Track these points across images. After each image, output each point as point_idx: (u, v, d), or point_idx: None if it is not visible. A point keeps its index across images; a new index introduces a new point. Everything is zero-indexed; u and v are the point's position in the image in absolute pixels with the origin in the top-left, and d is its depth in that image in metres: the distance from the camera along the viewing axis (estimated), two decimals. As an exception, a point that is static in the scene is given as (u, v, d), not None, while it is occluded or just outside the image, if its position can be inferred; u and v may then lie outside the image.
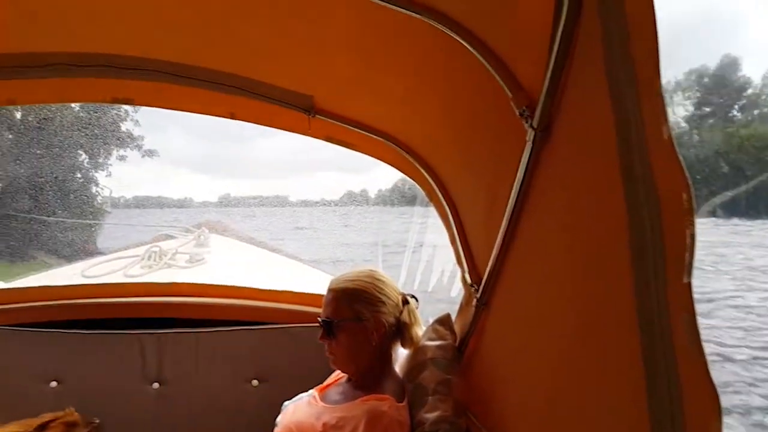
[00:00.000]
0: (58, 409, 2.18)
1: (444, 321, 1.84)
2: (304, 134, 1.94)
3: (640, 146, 0.78)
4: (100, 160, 11.77)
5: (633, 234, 0.80)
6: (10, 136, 10.72)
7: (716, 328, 7.31)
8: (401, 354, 1.85)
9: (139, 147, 11.85)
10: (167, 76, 1.76)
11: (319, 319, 1.72)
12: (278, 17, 1.50)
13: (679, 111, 14.44)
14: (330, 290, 1.72)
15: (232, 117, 1.95)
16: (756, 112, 15.43)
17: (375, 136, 1.87)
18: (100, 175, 11.80)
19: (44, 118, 10.33)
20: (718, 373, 0.69)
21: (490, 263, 1.44)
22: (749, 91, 15.37)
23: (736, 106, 15.48)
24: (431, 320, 1.87)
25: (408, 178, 2.01)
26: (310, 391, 2.11)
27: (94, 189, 11.72)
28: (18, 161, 10.64)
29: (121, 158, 11.90)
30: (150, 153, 12.00)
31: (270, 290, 2.71)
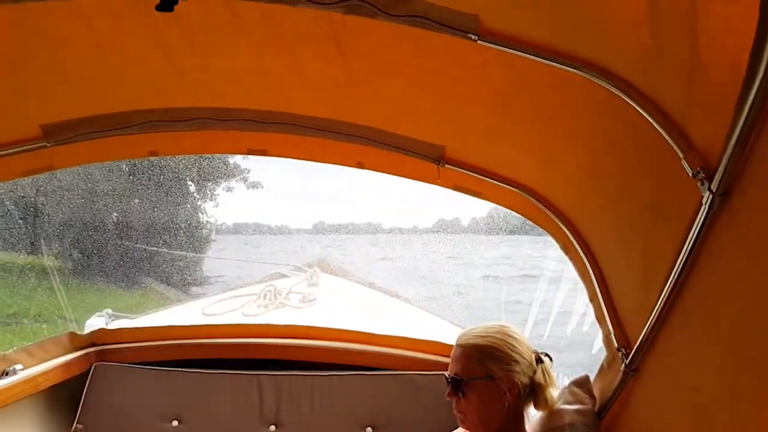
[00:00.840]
0: None
1: (582, 383, 1.73)
2: (431, 183, 1.93)
3: None
4: (208, 192, 12.44)
5: None
6: (127, 169, 11.51)
7: None
8: (533, 415, 1.76)
9: (245, 179, 12.43)
10: (301, 129, 1.82)
11: (447, 375, 1.67)
12: (422, 76, 1.50)
13: None
14: (459, 346, 1.66)
15: (360, 166, 1.97)
16: None
17: (507, 186, 1.83)
18: (208, 205, 12.48)
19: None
20: None
21: (646, 328, 1.34)
22: None
23: None
24: (565, 379, 1.77)
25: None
26: (432, 445, 2.07)
27: (202, 218, 12.38)
28: (133, 195, 11.43)
29: (228, 189, 12.53)
30: (254, 185, 12.55)
31: (385, 335, 2.69)
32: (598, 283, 1.64)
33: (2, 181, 1.99)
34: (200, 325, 2.84)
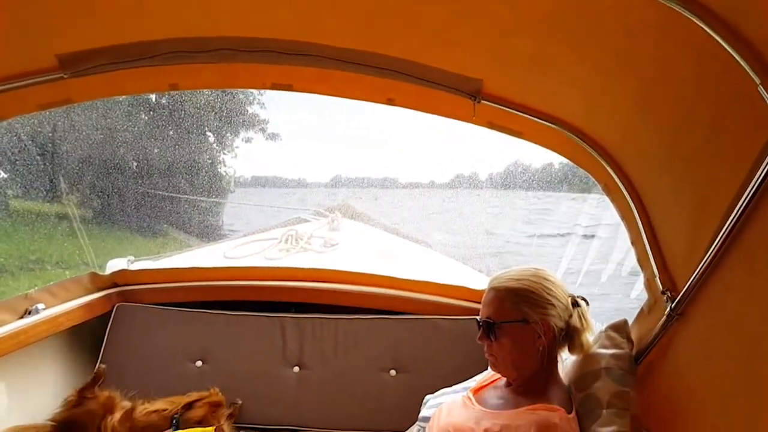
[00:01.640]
0: (202, 388, 2.27)
1: (620, 328, 1.67)
2: (466, 121, 1.84)
3: None
4: (227, 142, 12.37)
5: None
6: (145, 118, 11.43)
7: None
8: (566, 359, 1.71)
9: (263, 130, 12.32)
10: (329, 61, 1.72)
11: (478, 319, 1.62)
12: (462, 0, 1.39)
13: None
14: (492, 289, 1.61)
15: (390, 103, 1.88)
16: None
17: (547, 123, 1.73)
18: (227, 157, 12.41)
19: (177, 101, 10.95)
20: None
21: (697, 270, 1.27)
22: None
23: None
24: (601, 325, 1.71)
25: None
26: (458, 388, 2.04)
27: (221, 169, 12.34)
28: (151, 141, 11.38)
29: (247, 140, 12.43)
30: (273, 136, 12.43)
31: (410, 280, 2.66)
32: (643, 225, 1.57)
33: (18, 115, 1.92)
34: (222, 267, 2.83)
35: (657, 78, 1.28)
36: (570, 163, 1.87)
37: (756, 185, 1.05)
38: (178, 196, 11.37)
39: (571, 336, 1.59)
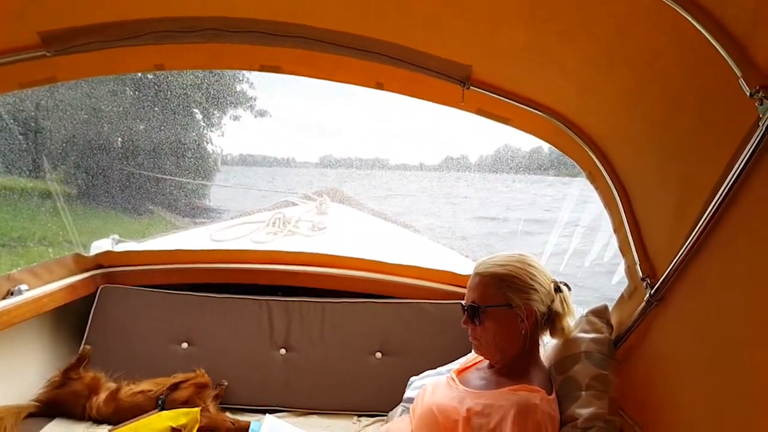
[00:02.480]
0: (188, 370, 2.28)
1: (600, 312, 1.71)
2: (454, 107, 1.84)
3: None
4: (215, 120, 12.23)
5: None
6: (131, 94, 11.25)
7: None
8: (548, 343, 1.74)
9: (251, 108, 12.18)
10: (318, 43, 1.70)
11: (463, 303, 1.64)
12: None
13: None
14: (477, 274, 1.63)
15: (379, 87, 1.87)
16: None
17: (535, 111, 1.73)
18: (214, 135, 12.29)
19: (164, 80, 10.79)
20: None
21: (677, 257, 1.29)
22: None
23: None
24: (583, 309, 1.74)
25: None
26: (442, 370, 2.07)
27: (208, 148, 12.23)
28: (137, 119, 11.21)
29: (235, 118, 12.30)
30: (261, 113, 12.30)
31: (396, 264, 2.68)
32: (625, 213, 1.59)
33: (0, 92, 1.87)
34: (209, 250, 2.83)
35: (645, 69, 1.29)
36: (558, 148, 1.88)
37: (736, 174, 1.07)
38: (164, 176, 11.25)
39: (552, 320, 1.62)
